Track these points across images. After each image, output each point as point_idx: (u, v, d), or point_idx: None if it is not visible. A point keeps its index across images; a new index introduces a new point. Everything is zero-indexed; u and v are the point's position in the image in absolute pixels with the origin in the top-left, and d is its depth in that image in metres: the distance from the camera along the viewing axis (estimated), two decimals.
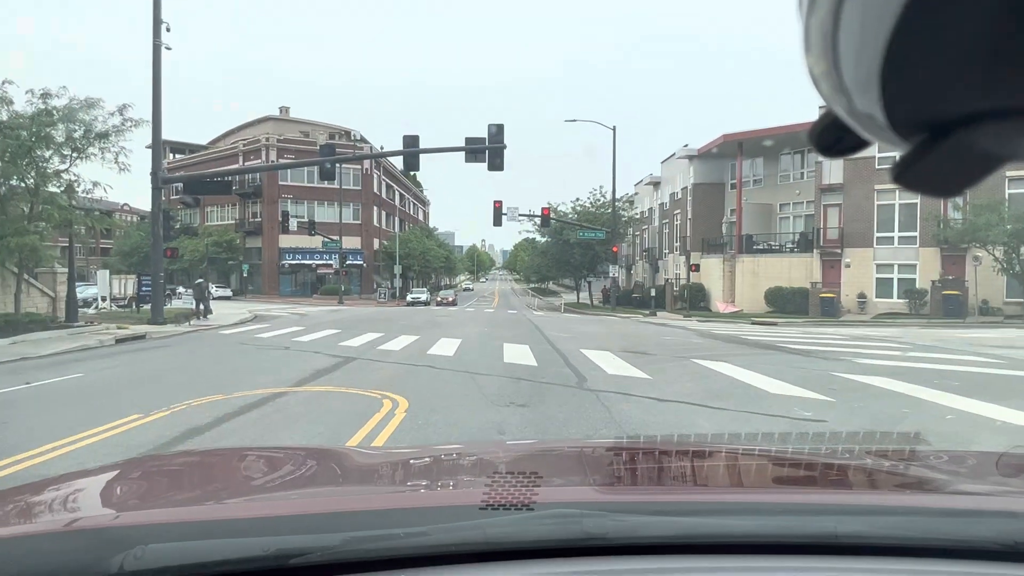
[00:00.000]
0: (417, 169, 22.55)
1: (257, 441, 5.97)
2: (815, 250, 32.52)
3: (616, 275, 41.87)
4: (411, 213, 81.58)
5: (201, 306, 24.23)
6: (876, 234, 30.75)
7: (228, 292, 49.37)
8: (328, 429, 6.44)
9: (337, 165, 27.13)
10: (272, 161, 52.73)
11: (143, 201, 74.49)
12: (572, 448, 2.35)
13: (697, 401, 7.96)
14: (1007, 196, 26.76)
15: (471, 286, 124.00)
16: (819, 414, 7.18)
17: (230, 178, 32.65)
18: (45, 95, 17.60)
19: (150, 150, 21.34)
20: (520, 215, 39.52)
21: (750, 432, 5.97)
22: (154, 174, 21.14)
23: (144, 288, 23.49)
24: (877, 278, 30.79)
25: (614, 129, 38.57)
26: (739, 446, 2.29)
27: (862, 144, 0.44)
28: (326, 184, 50.34)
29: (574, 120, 40.23)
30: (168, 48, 20.86)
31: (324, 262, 54.53)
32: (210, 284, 28.37)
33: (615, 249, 40.24)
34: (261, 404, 7.66)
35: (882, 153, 27.71)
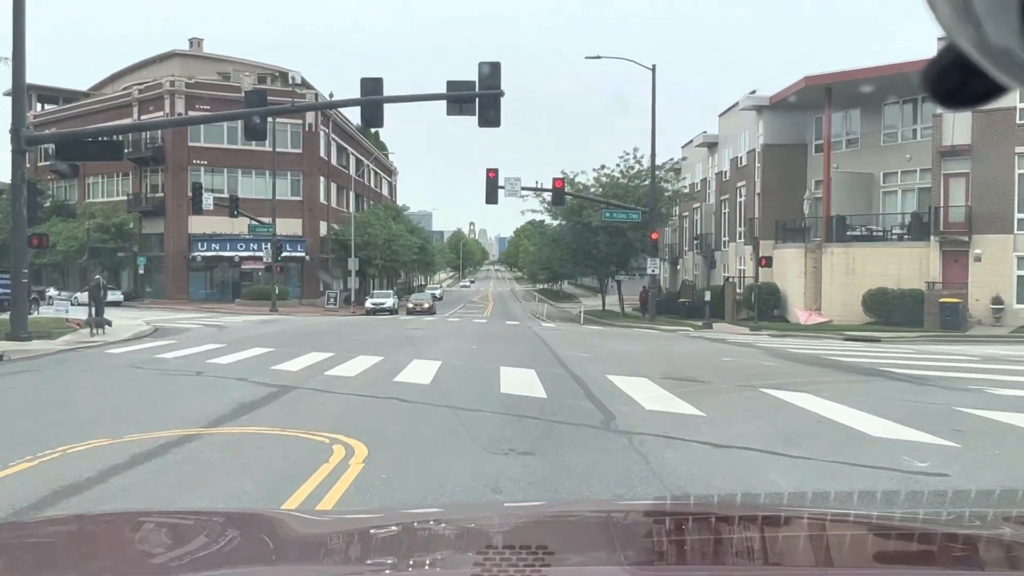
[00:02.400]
0: (380, 125, 22.64)
1: (158, 502, 5.94)
2: (933, 238, 32.54)
3: (656, 272, 41.99)
4: (372, 186, 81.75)
5: (95, 313, 24.33)
6: (1018, 215, 30.78)
7: (119, 295, 49.37)
8: (257, 486, 6.41)
9: (269, 119, 27.13)
10: (179, 114, 52.85)
11: (1, 170, 74.67)
12: (594, 512, 2.35)
13: (769, 447, 7.94)
14: None
15: (466, 283, 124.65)
16: (938, 465, 7.15)
17: (120, 138, 32.71)
18: None
19: (9, 98, 21.38)
20: (523, 189, 39.59)
21: (842, 491, 5.93)
22: (14, 131, 21.15)
23: (1, 290, 23.53)
24: (1020, 276, 30.82)
25: (653, 69, 38.64)
26: (827, 510, 2.29)
27: (996, 91, 0.44)
28: (254, 146, 50.31)
29: (598, 57, 40.25)
30: None
31: (251, 254, 54.54)
32: (107, 286, 28.41)
33: (654, 236, 40.34)
34: (164, 451, 7.63)
35: None
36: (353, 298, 54.60)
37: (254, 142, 35.50)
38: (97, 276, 28.11)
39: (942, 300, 29.92)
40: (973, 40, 0.38)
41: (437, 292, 70.72)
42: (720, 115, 50.33)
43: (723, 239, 49.40)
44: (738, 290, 40.03)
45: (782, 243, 38.26)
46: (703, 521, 2.11)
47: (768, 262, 35.58)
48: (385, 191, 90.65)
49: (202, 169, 55.64)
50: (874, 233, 36.24)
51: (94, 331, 23.54)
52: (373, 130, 72.58)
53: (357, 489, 6.28)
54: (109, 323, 24.88)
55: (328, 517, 3.05)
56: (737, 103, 45.07)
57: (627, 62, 40.48)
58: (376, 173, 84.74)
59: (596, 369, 15.22)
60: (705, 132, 53.70)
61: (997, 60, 0.38)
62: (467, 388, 12.43)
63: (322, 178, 61.02)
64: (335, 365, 15.55)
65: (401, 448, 7.82)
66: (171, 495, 6.22)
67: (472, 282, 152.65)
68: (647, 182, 43.37)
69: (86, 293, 29.48)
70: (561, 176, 40.26)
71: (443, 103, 21.22)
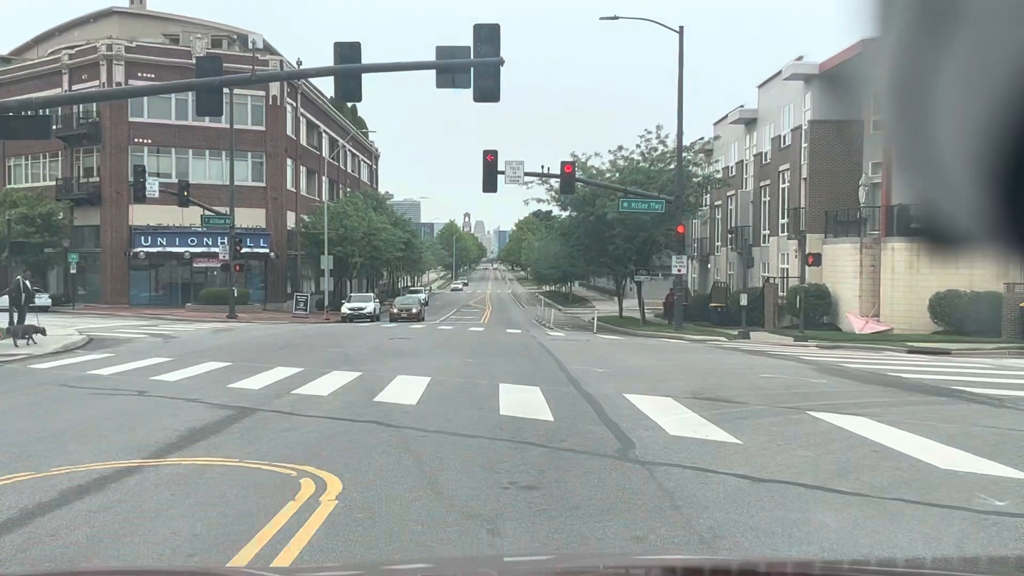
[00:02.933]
0: (358, 99, 22.61)
1: (91, 552, 5.90)
2: None
3: (683, 272, 41.94)
4: (349, 171, 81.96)
5: (17, 319, 24.38)
6: None
7: (46, 299, 49.38)
8: (209, 529, 6.37)
9: (226, 91, 27.16)
10: (117, 83, 52.90)
11: None
12: (611, 569, 2.32)
13: (817, 482, 7.91)
14: None
15: (459, 285, 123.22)
16: (1021, 504, 7.13)
17: (47, 112, 32.65)
18: None
19: None
20: (527, 175, 39.61)
21: (908, 538, 5.89)
22: None
23: None
24: None
25: (680, 30, 38.65)
26: (891, 570, 2.25)
27: None
28: (208, 123, 50.67)
29: (614, 17, 40.26)
30: None
31: (205, 250, 54.59)
32: (31, 285, 28.42)
33: (681, 229, 40.35)
34: (99, 487, 7.61)
35: None
36: (327, 302, 54.64)
37: (208, 118, 35.59)
38: (19, 277, 28.08)
39: (1023, 305, 29.89)
40: None
41: (422, 296, 70.56)
42: (759, 86, 50.37)
43: (763, 233, 49.44)
44: (780, 293, 40.02)
45: (833, 237, 38.26)
46: None
47: (816, 260, 35.56)
48: (365, 176, 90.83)
49: (146, 149, 55.72)
50: None
51: (18, 341, 23.48)
52: (350, 105, 72.85)
53: (328, 534, 6.25)
54: (41, 331, 24.85)
55: (291, 575, 3.02)
56: (780, 72, 45.09)
57: (650, 24, 40.55)
58: (354, 155, 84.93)
59: (612, 387, 15.22)
60: (742, 106, 53.72)
61: None
62: (461, 409, 12.43)
63: (289, 160, 61.03)
64: (305, 382, 15.56)
65: (382, 482, 7.79)
66: (107, 540, 6.17)
67: (465, 284, 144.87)
68: (672, 166, 43.31)
69: (6, 297, 29.51)
70: (571, 160, 40.20)
71: (432, 73, 21.19)
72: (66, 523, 6.53)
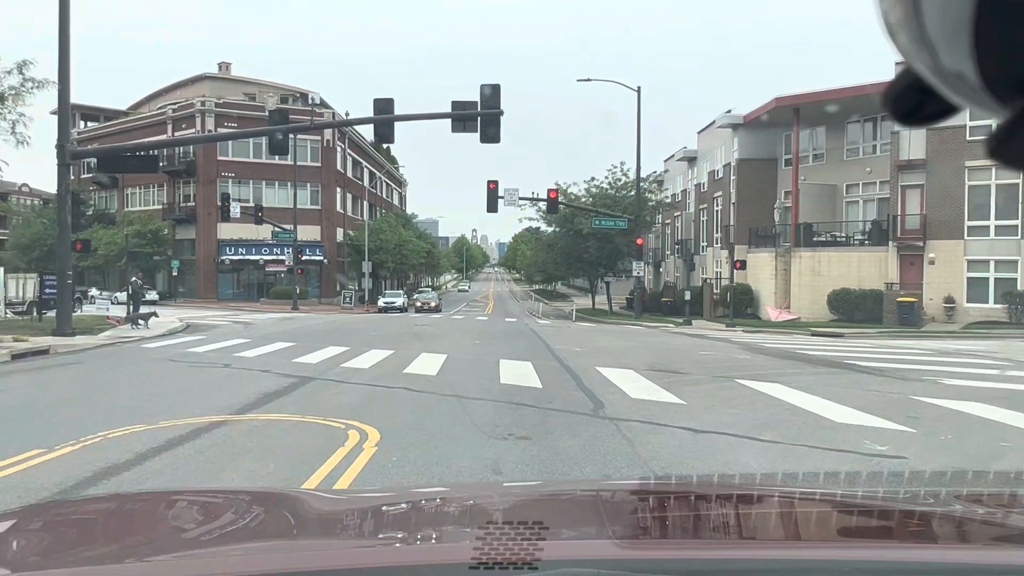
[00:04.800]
0: (392, 141, 22.56)
1: (190, 483, 5.95)
2: (891, 243, 32.59)
3: (641, 274, 41.98)
4: (384, 196, 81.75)
5: (133, 310, 24.73)
6: (967, 223, 30.82)
7: (154, 295, 49.36)
8: (280, 467, 6.42)
9: (291, 135, 27.16)
10: (209, 131, 52.77)
11: (47, 181, 74.67)
12: (585, 491, 2.35)
13: (743, 432, 7.96)
14: None
15: (466, 287, 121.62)
16: (896, 449, 7.18)
17: (156, 152, 32.64)
18: None
19: (56, 116, 21.34)
20: (521, 199, 39.60)
21: (809, 471, 5.95)
22: (60, 146, 21.13)
23: (48, 290, 23.51)
24: (969, 278, 30.86)
25: (639, 90, 38.71)
26: (795, 489, 2.29)
27: (949, 110, 0.43)
28: (277, 160, 50.51)
29: (588, 80, 40.32)
30: None
31: (274, 257, 54.52)
32: (146, 287, 28.70)
33: (640, 241, 40.37)
34: (195, 436, 7.64)
35: (974, 121, 27.77)
36: (367, 297, 54.55)
37: (277, 156, 35.52)
38: (134, 278, 28.12)
39: (899, 299, 29.97)
40: (928, 64, 0.38)
41: (465, 286, 68.19)
42: (699, 132, 50.37)
43: (702, 244, 49.46)
44: (715, 290, 40.04)
45: (755, 248, 38.31)
46: (683, 499, 2.11)
47: (742, 265, 35.67)
48: (396, 200, 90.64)
49: (230, 181, 55.54)
50: (838, 239, 36.29)
51: (135, 325, 23.72)
52: (385, 145, 72.53)
53: (370, 470, 6.29)
54: (155, 314, 25.24)
55: (343, 496, 3.05)
56: (714, 121, 45.13)
57: (615, 84, 40.52)
58: (388, 184, 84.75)
59: (587, 362, 15.25)
60: (685, 147, 53.76)
61: (950, 82, 0.38)
62: (470, 379, 12.44)
63: (339, 189, 61.00)
64: (351, 358, 15.59)
65: (410, 433, 7.83)
66: (202, 476, 6.23)
67: (468, 287, 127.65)
68: (633, 193, 43.40)
69: (125, 293, 29.54)
70: (555, 187, 40.26)
71: (448, 121, 21.25)
72: (170, 463, 6.58)
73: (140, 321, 24.23)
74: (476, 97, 20.80)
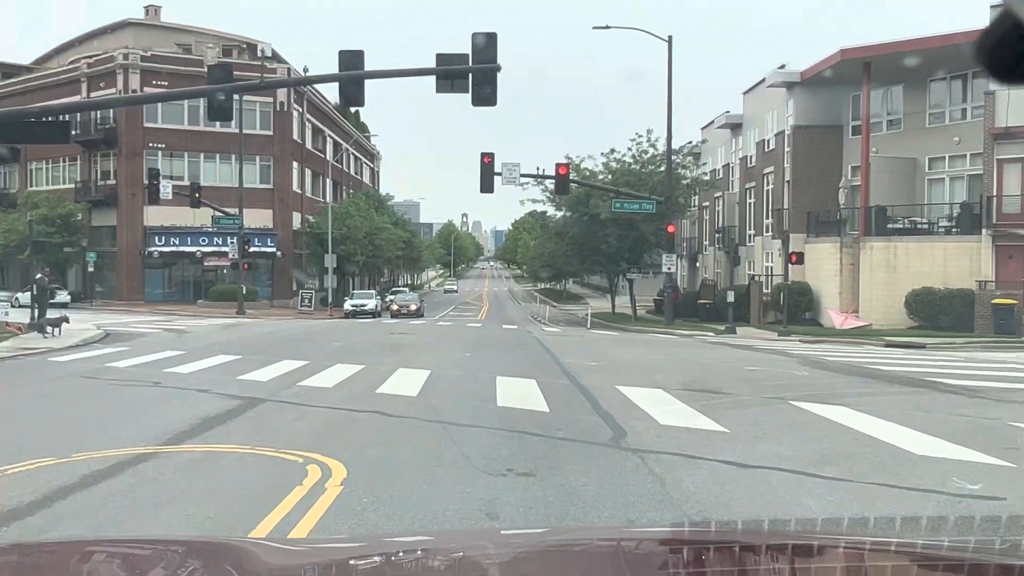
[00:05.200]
0: (361, 104, 22.63)
1: (110, 530, 5.93)
2: (985, 231, 32.59)
3: (673, 270, 42.03)
4: (352, 173, 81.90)
5: (39, 314, 24.90)
6: None
7: (65, 296, 49.43)
8: (222, 511, 6.41)
9: (236, 96, 27.12)
10: (133, 90, 52.83)
11: None
12: (603, 541, 2.35)
13: (799, 468, 7.94)
14: None
15: (455, 286, 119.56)
16: (992, 488, 7.15)
17: (67, 117, 32.62)
18: None
19: None
20: (523, 176, 39.64)
21: (882, 516, 5.94)
22: None
23: None
24: None
25: (669, 40, 38.72)
26: (866, 538, 2.29)
27: None
28: (218, 127, 50.59)
29: (606, 27, 40.26)
30: None
31: (215, 249, 54.61)
32: (55, 285, 28.94)
33: (671, 229, 40.43)
34: (115, 472, 7.63)
35: None
36: (331, 299, 54.58)
37: (218, 123, 35.55)
38: (40, 274, 28.19)
39: (995, 301, 29.94)
40: None
41: (452, 286, 67.37)
42: (745, 93, 50.38)
43: (748, 233, 49.45)
44: (765, 290, 40.07)
45: (815, 237, 38.28)
46: (726, 551, 2.11)
47: (799, 258, 35.65)
48: (367, 178, 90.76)
49: (159, 153, 55.66)
50: (919, 226, 36.26)
51: (43, 333, 23.76)
52: (353, 110, 73.00)
53: (335, 515, 6.28)
54: (66, 320, 25.29)
55: (302, 546, 3.05)
56: (764, 79, 45.08)
57: (640, 33, 40.55)
58: (356, 158, 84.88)
59: (605, 379, 15.22)
60: (728, 112, 53.77)
61: None
62: (459, 401, 12.42)
63: (295, 163, 61.00)
64: (310, 375, 15.55)
65: (385, 468, 7.82)
66: (125, 521, 6.20)
67: (456, 287, 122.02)
68: (662, 168, 43.36)
69: (28, 293, 29.58)
70: (565, 162, 40.20)
71: (432, 79, 21.20)
72: (86, 505, 6.57)
73: (48, 328, 24.36)
74: (467, 50, 20.76)
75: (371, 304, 51.55)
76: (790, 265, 35.60)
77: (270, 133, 58.05)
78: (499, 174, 35.74)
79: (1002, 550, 2.16)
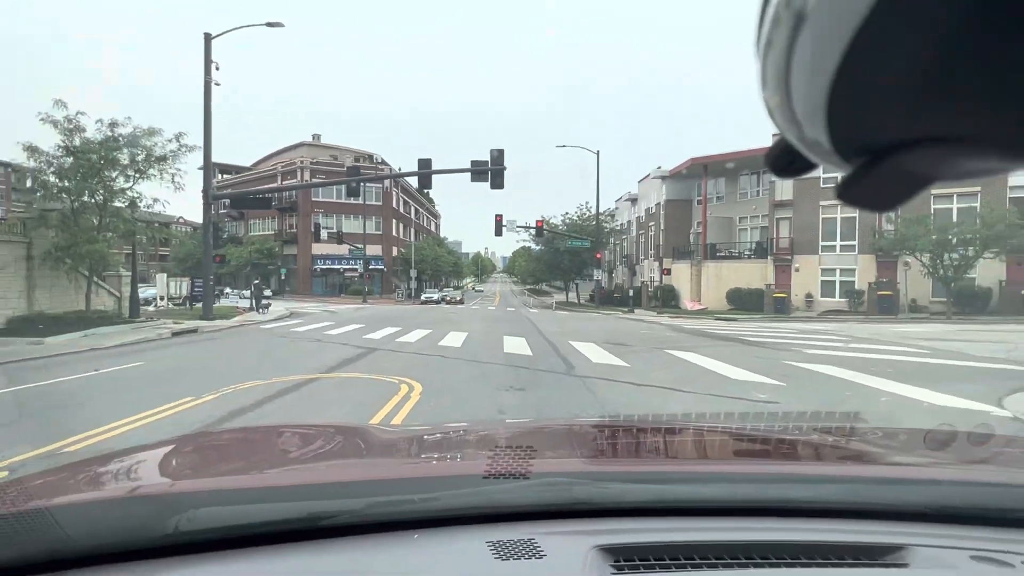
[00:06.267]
0: (430, 187, 22.62)
1: (293, 419, 5.93)
2: (769, 256, 32.54)
3: (600, 278, 41.86)
4: (424, 225, 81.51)
5: (258, 303, 25.38)
6: (821, 243, 30.79)
7: (269, 293, 49.26)
8: (354, 409, 6.41)
9: (361, 184, 27.13)
10: (306, 180, 52.66)
11: (196, 214, 74.04)
12: (562, 426, 2.34)
13: (669, 385, 7.95)
14: (932, 211, 26.81)
15: (481, 288, 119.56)
16: (773, 397, 7.17)
17: (270, 195, 32.55)
18: (112, 124, 17.61)
19: (201, 171, 21.34)
20: (518, 227, 39.63)
21: (715, 412, 5.96)
22: (205, 192, 21.13)
23: (197, 289, 23.52)
24: (822, 280, 30.81)
25: (597, 154, 38.59)
26: (705, 424, 2.28)
27: (810, 166, 0.43)
28: (352, 200, 50.37)
29: (564, 146, 40.28)
30: (217, 84, 20.89)
31: (350, 267, 54.48)
32: (264, 287, 29.20)
33: (599, 256, 40.27)
34: (296, 388, 7.65)
35: (827, 174, 27.65)
36: (412, 294, 54.46)
37: (352, 198, 35.39)
38: (256, 281, 28.33)
39: (775, 295, 29.91)
40: (796, 135, 0.38)
41: (480, 287, 66.32)
42: (639, 181, 50.25)
43: (641, 258, 49.32)
44: (650, 289, 39.96)
45: (677, 260, 38.20)
46: (628, 431, 2.10)
47: (668, 272, 35.63)
48: (432, 228, 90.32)
49: (320, 214, 55.37)
50: (733, 254, 36.19)
51: (261, 311, 24.29)
52: (425, 190, 72.55)
53: (415, 411, 6.28)
54: (270, 304, 25.87)
55: (397, 428, 3.05)
56: (649, 174, 45.02)
57: (582, 149, 40.45)
58: (427, 216, 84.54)
59: (563, 338, 15.23)
60: (630, 192, 53.65)
61: (811, 147, 0.38)
62: (484, 349, 12.43)
63: (393, 220, 60.84)
64: (402, 335, 15.59)
65: (443, 387, 7.81)
66: (301, 415, 6.22)
67: (483, 288, 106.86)
68: (594, 223, 43.30)
69: (249, 291, 29.56)
70: (541, 218, 40.29)
71: (468, 174, 21.21)
72: (279, 407, 6.57)
73: (263, 308, 24.69)
74: (487, 157, 20.81)
75: (435, 296, 51.31)
76: (663, 276, 35.53)
77: (380, 204, 57.85)
78: (505, 225, 35.50)
79: (778, 431, 2.16)
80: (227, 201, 26.42)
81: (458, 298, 53.77)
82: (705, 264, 34.90)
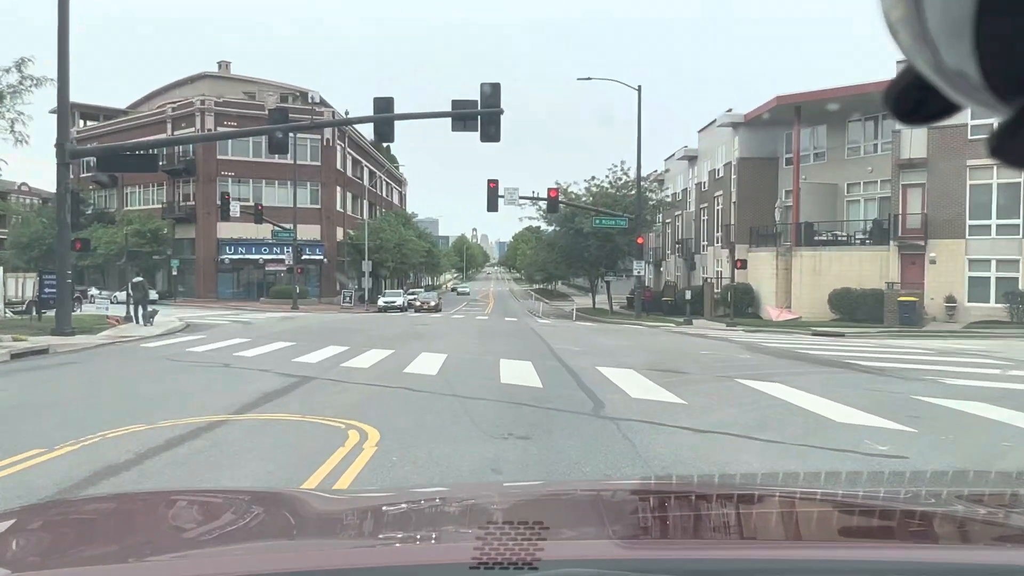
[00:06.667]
0: (391, 140, 22.57)
1: (190, 483, 5.94)
2: (892, 242, 32.59)
3: (642, 273, 41.94)
4: (384, 196, 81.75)
5: (139, 310, 25.46)
6: (969, 222, 30.83)
7: (155, 295, 49.31)
8: (279, 468, 6.41)
9: (291, 134, 27.16)
10: (208, 130, 52.82)
11: (46, 180, 74.72)
12: (586, 491, 2.35)
13: (743, 432, 7.95)
14: None
15: (466, 288, 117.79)
16: (897, 448, 7.17)
17: (155, 151, 32.68)
18: None
19: (55, 116, 21.35)
20: (521, 198, 39.52)
21: (810, 471, 5.95)
22: (59, 145, 21.13)
23: (47, 289, 23.48)
24: (970, 277, 30.86)
25: (639, 89, 38.68)
26: (796, 489, 2.29)
27: (951, 108, 0.44)
28: (277, 159, 50.48)
29: (588, 78, 40.24)
30: None
31: (274, 257, 54.59)
32: (148, 287, 29.15)
33: (640, 241, 40.32)
34: (194, 436, 7.63)
35: (976, 120, 27.78)
36: (366, 297, 54.54)
37: (277, 155, 35.50)
38: (138, 278, 28.40)
39: (900, 299, 29.95)
40: (930, 63, 0.38)
41: (464, 288, 65.79)
42: (699, 131, 50.36)
43: (702, 243, 49.44)
44: (716, 290, 40.04)
45: (756, 247, 38.29)
46: (684, 499, 2.11)
47: (743, 264, 35.71)
48: (395, 200, 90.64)
49: (229, 180, 55.58)
50: (839, 238, 36.27)
51: (147, 323, 24.74)
52: (385, 144, 72.66)
53: (370, 470, 6.28)
54: (156, 312, 26.21)
55: (344, 496, 3.05)
56: (715, 120, 45.12)
57: (616, 83, 40.49)
58: (387, 183, 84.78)
59: (587, 361, 15.19)
60: (686, 146, 53.75)
61: (951, 81, 0.38)
62: (470, 378, 12.40)
63: (338, 188, 61.02)
64: (351, 358, 15.55)
65: (410, 433, 7.80)
66: (202, 476, 6.22)
67: (468, 289, 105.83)
68: (633, 192, 43.34)
69: (124, 292, 29.67)
70: (555, 186, 40.19)
71: (448, 123, 21.22)
72: (169, 462, 6.58)
73: (146, 318, 25.01)
74: (476, 96, 20.81)
75: (399, 301, 51.44)
76: (736, 270, 35.61)
77: (318, 164, 58.04)
78: (502, 197, 35.65)
79: (905, 499, 2.16)
80: (93, 160, 26.43)
81: (432, 303, 53.88)
82: (798, 253, 34.97)
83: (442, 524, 1.86)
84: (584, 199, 46.21)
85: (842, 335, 26.28)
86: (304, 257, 52.74)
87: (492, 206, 34.11)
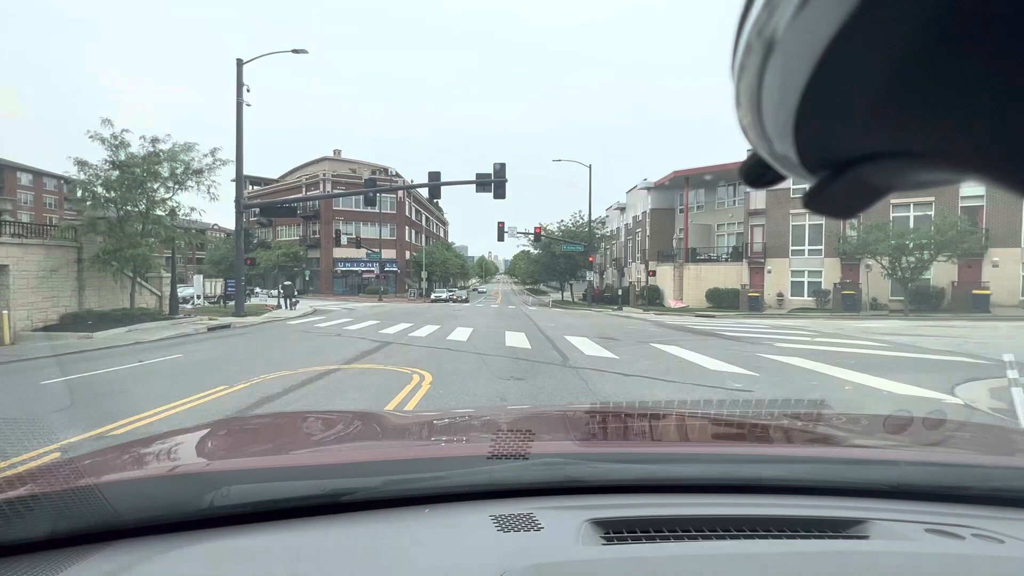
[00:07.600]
0: (439, 197, 22.54)
1: (316, 406, 5.94)
2: (744, 259, 32.51)
3: (592, 279, 41.89)
4: (434, 231, 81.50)
5: (288, 301, 25.58)
6: (791, 247, 30.76)
7: (295, 292, 49.33)
8: (371, 397, 6.41)
9: (377, 195, 27.16)
10: (328, 191, 52.72)
11: (229, 222, 74.40)
12: (557, 412, 2.35)
13: (654, 375, 7.94)
14: (891, 218, 26.84)
15: (484, 289, 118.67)
16: (748, 385, 7.17)
17: (295, 204, 32.63)
18: (154, 140, 17.71)
19: (234, 183, 21.35)
20: (518, 233, 39.53)
21: (695, 399, 5.95)
22: (237, 201, 21.15)
23: (229, 288, 23.53)
24: (792, 281, 30.78)
25: (590, 167, 38.52)
26: (686, 410, 2.28)
27: (780, 178, 0.43)
28: (369, 209, 50.42)
29: (559, 160, 40.21)
30: (248, 104, 20.89)
31: (367, 269, 54.52)
32: (293, 287, 29.36)
33: (591, 259, 40.25)
34: (319, 378, 7.65)
35: (795, 185, 27.68)
36: (423, 293, 54.44)
37: (369, 207, 35.32)
38: (287, 282, 28.49)
39: (749, 294, 29.85)
40: (767, 150, 0.38)
41: (484, 289, 66.58)
42: (627, 191, 50.24)
43: (629, 260, 49.26)
44: (637, 289, 39.92)
45: (661, 263, 38.18)
46: (617, 416, 2.10)
47: (654, 273, 35.56)
48: (441, 234, 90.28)
49: (340, 221, 55.43)
50: (712, 257, 36.16)
51: (291, 308, 24.58)
52: (435, 200, 72.54)
53: (426, 399, 6.29)
54: (298, 301, 26.00)
55: (410, 414, 3.05)
56: (636, 184, 45.02)
57: (576, 163, 40.40)
58: (437, 223, 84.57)
59: (558, 333, 15.21)
60: (619, 201, 53.59)
61: (781, 161, 0.38)
62: (487, 343, 12.42)
63: (406, 227, 60.83)
64: (414, 330, 15.59)
65: (450, 376, 7.81)
66: (324, 401, 6.22)
67: (486, 289, 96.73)
68: (587, 229, 43.25)
69: (276, 291, 29.63)
70: (539, 225, 40.41)
71: (474, 185, 21.20)
72: (303, 394, 6.58)
73: (293, 306, 25.02)
74: (490, 170, 20.79)
75: (444, 295, 51.16)
76: (649, 277, 35.49)
77: (394, 212, 57.85)
78: (507, 232, 35.56)
79: (752, 416, 2.16)
80: (257, 210, 26.40)
81: (464, 297, 53.64)
82: (686, 266, 34.88)
83: (469, 431, 1.86)
84: (556, 234, 46.10)
85: (714, 317, 26.21)
86: (386, 269, 52.63)
87: (500, 238, 33.94)
